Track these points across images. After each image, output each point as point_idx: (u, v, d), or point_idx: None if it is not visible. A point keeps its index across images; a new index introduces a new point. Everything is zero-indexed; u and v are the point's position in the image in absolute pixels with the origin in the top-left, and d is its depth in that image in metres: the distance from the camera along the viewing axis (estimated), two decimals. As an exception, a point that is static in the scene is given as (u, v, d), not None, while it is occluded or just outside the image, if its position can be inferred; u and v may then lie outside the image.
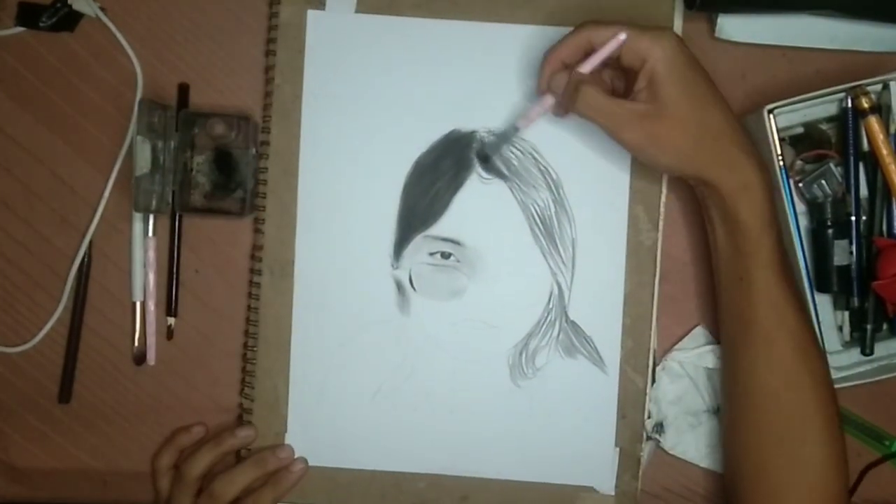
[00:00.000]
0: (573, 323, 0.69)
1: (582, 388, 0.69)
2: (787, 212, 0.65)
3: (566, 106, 0.62)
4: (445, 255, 0.68)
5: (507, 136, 0.67)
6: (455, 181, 0.68)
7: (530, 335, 0.69)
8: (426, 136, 0.68)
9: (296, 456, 0.69)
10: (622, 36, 0.59)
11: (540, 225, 0.68)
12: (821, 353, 0.63)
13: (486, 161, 0.68)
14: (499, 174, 0.68)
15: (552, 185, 0.68)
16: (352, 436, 0.69)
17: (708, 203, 0.63)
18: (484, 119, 0.68)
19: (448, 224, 0.68)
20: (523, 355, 0.69)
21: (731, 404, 0.65)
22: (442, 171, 0.68)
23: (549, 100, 0.63)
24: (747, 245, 0.60)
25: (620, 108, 0.59)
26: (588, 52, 0.61)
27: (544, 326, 0.69)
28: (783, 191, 0.65)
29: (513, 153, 0.68)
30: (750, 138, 0.62)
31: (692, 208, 0.70)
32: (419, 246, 0.68)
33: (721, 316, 0.65)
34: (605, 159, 0.68)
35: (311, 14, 0.68)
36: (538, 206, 0.68)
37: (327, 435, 0.69)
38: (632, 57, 0.59)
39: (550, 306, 0.69)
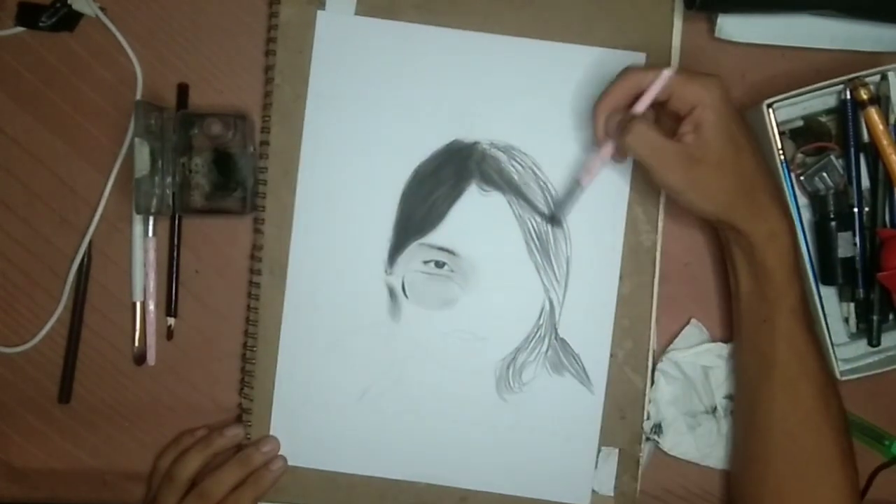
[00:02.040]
0: (562, 340, 0.69)
1: (567, 405, 0.69)
2: (790, 206, 0.64)
3: (618, 145, 0.62)
4: (439, 265, 0.68)
5: (571, 193, 0.67)
6: (454, 191, 0.68)
7: (519, 349, 0.69)
8: (428, 145, 0.68)
9: (275, 443, 0.69)
10: (666, 72, 0.60)
11: (536, 240, 0.68)
12: (838, 397, 0.64)
13: (557, 223, 0.68)
14: (498, 187, 0.68)
15: (550, 202, 0.68)
16: (335, 438, 0.69)
17: (733, 247, 0.64)
18: (486, 131, 0.68)
19: (444, 233, 0.68)
20: (511, 369, 0.69)
21: (748, 440, 0.66)
22: (441, 180, 0.68)
23: (609, 147, 0.64)
24: (773, 291, 0.61)
25: (668, 146, 0.60)
26: (637, 96, 0.62)
27: (533, 342, 0.69)
28: (785, 185, 0.65)
29: (514, 167, 0.68)
30: (780, 185, 0.63)
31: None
32: (414, 253, 0.68)
33: (741, 355, 0.66)
34: (605, 179, 0.68)
35: (321, 15, 0.68)
36: (535, 221, 0.68)
37: (310, 436, 0.69)
38: (680, 101, 0.60)
39: (541, 322, 0.69)
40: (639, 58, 0.68)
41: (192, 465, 0.67)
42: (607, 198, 0.68)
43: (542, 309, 0.69)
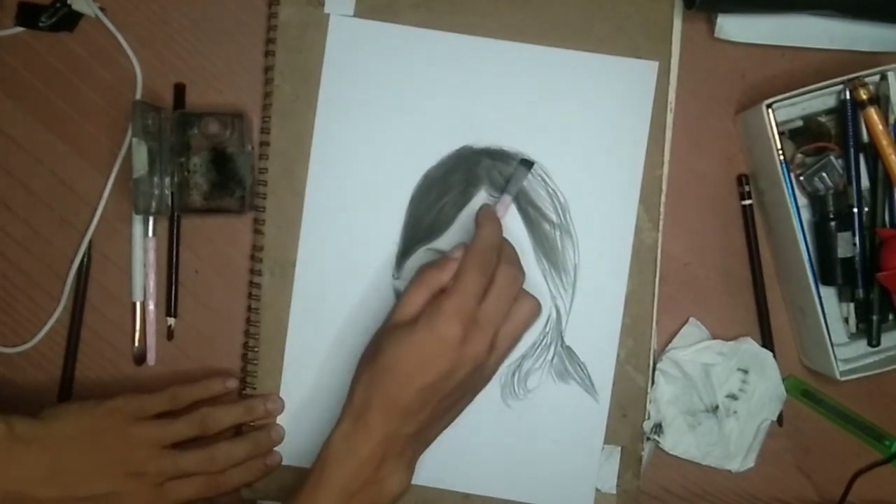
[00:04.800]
0: (568, 348, 0.68)
1: (571, 414, 0.68)
2: (790, 206, 0.65)
3: None
4: None
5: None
6: (463, 197, 0.68)
7: (524, 356, 0.68)
8: (438, 150, 0.68)
9: (282, 431, 0.69)
10: None
11: (543, 248, 0.68)
12: None
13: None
14: (507, 193, 0.68)
15: (559, 209, 0.68)
16: None
17: None
18: (496, 138, 0.68)
19: (452, 239, 0.68)
20: (516, 376, 0.69)
21: None
22: (450, 185, 0.68)
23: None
24: None
25: None
26: None
27: (539, 349, 0.68)
28: (784, 185, 0.65)
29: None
30: None
31: (692, 208, 0.70)
32: (422, 259, 0.68)
33: None
34: (615, 187, 0.68)
35: (333, 18, 0.68)
36: (544, 228, 0.68)
37: (315, 436, 0.68)
38: None
39: (547, 329, 0.68)
40: (651, 66, 0.68)
41: (226, 419, 0.67)
42: (616, 208, 0.68)
43: (549, 316, 0.68)
